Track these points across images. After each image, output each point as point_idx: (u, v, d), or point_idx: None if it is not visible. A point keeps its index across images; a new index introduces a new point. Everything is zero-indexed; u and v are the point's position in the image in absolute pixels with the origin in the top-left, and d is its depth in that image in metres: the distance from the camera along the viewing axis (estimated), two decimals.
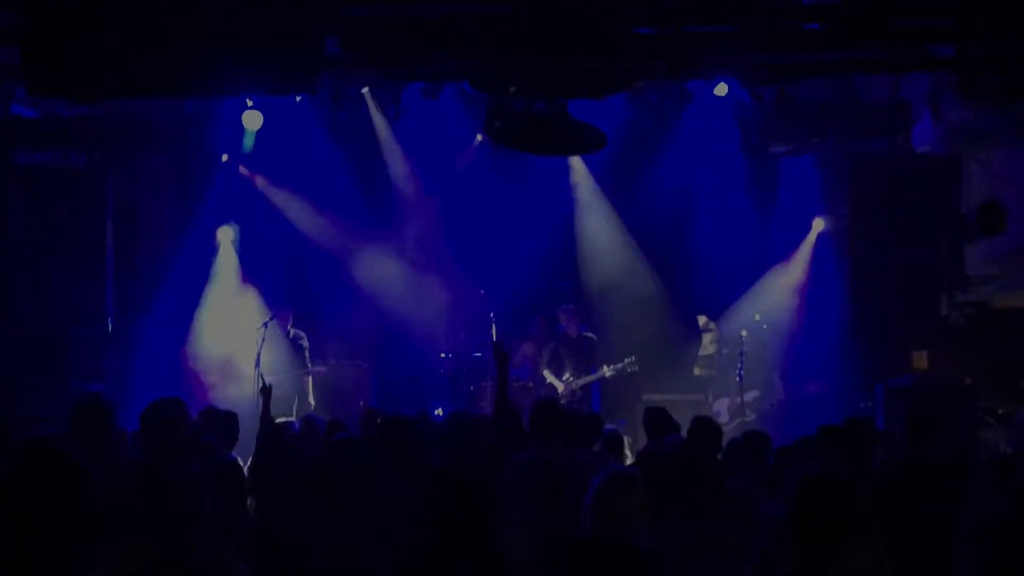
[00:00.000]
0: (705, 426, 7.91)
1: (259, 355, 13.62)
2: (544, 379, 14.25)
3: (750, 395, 14.32)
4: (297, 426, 9.35)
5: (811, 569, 4.70)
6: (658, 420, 8.62)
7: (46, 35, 5.93)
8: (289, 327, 14.33)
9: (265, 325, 13.71)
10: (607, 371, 14.08)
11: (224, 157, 15.00)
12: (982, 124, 9.55)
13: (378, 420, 8.04)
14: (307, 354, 14.36)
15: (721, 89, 13.29)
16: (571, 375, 14.17)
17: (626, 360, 14.03)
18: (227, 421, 8.17)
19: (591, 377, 14.12)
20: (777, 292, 15.04)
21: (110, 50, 5.90)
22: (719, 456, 7.79)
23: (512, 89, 7.95)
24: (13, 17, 6.38)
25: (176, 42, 5.94)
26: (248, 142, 14.82)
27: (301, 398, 14.03)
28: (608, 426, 9.40)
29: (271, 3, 6.18)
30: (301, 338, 14.37)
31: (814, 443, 7.31)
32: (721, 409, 14.39)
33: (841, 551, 4.75)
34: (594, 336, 14.48)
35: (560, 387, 14.01)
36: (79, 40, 5.86)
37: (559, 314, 14.48)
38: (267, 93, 10.42)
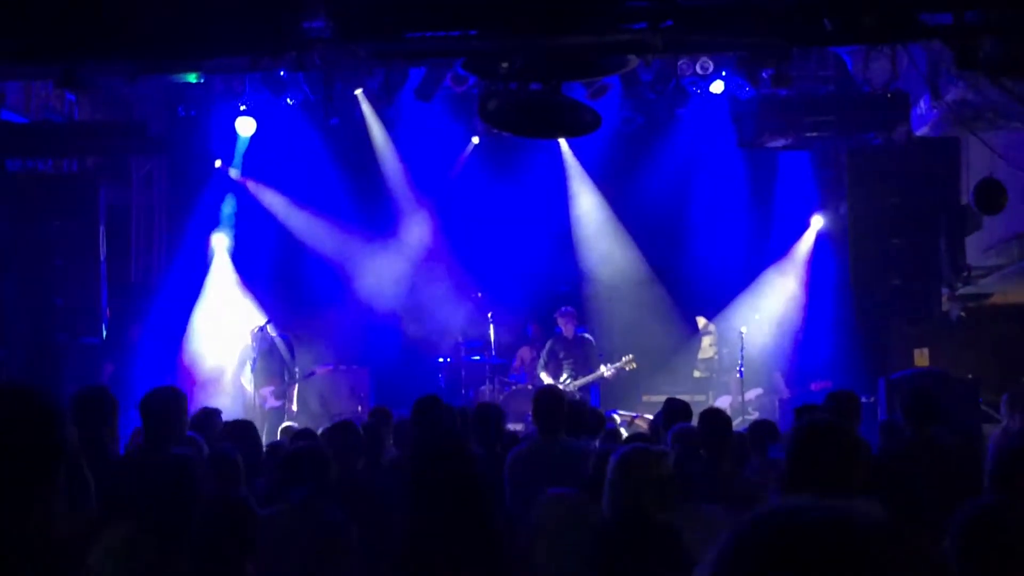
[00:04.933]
0: (714, 417, 7.70)
1: (255, 360, 13.51)
2: (542, 382, 14.07)
3: (752, 393, 14.19)
4: None
5: None
6: (676, 411, 8.42)
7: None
8: (273, 334, 13.97)
9: (262, 329, 13.60)
10: (606, 371, 13.89)
11: (217, 163, 14.91)
12: (983, 101, 9.42)
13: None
14: (292, 360, 14.07)
15: (717, 86, 13.26)
16: (569, 377, 14.00)
17: (624, 359, 13.86)
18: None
19: (589, 377, 13.92)
20: (776, 290, 14.93)
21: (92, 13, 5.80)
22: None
23: (504, 66, 7.84)
24: None
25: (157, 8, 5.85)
26: (241, 147, 14.79)
27: (287, 404, 13.81)
28: (609, 424, 9.28)
29: None
30: (285, 344, 14.05)
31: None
32: (723, 407, 14.22)
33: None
34: (591, 338, 14.32)
35: None
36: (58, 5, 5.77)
37: (557, 318, 14.32)
38: (247, 53, 10.15)
